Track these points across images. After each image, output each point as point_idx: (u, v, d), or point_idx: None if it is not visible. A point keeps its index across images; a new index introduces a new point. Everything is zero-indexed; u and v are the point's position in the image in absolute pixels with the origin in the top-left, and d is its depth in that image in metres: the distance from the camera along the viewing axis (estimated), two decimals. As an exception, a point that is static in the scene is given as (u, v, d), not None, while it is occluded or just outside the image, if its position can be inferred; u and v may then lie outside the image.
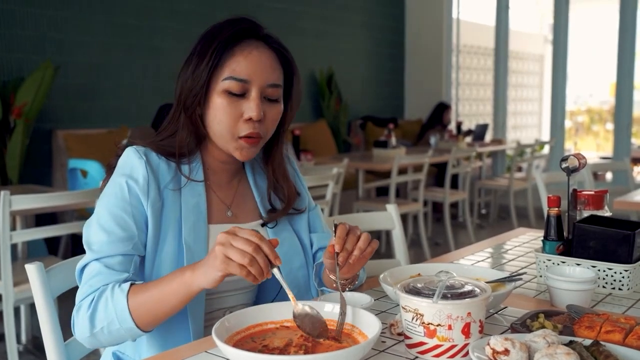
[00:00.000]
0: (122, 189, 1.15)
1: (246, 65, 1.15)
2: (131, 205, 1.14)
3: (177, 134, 1.21)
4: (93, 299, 1.08)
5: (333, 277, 1.16)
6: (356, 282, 1.25)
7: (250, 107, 1.16)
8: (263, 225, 1.29)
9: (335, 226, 1.12)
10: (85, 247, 1.14)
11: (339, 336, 1.00)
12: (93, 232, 1.14)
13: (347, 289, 1.21)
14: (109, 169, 1.21)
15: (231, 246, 0.97)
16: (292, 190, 1.32)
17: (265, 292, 1.33)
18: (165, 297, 1.05)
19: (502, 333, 1.01)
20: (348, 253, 1.10)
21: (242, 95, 1.16)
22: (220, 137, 1.19)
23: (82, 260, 1.14)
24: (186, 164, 1.21)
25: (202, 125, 1.19)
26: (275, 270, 1.01)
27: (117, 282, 1.09)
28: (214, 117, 1.17)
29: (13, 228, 2.71)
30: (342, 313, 1.02)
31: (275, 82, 1.19)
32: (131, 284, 1.07)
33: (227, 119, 1.16)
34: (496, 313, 1.19)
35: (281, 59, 1.22)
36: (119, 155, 1.20)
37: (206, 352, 1.01)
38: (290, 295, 1.02)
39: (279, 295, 1.32)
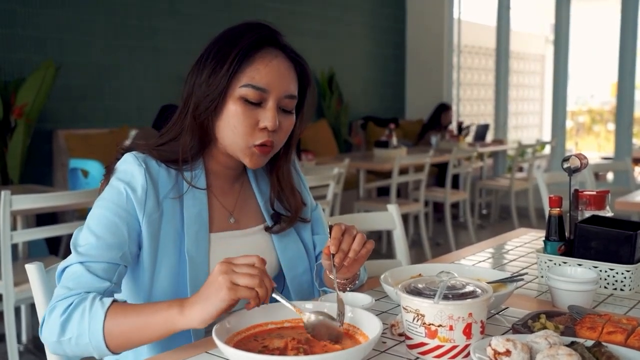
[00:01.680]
0: (120, 194, 1.11)
1: (266, 74, 1.13)
2: (127, 212, 1.11)
3: (180, 137, 1.17)
4: (70, 305, 1.03)
5: (332, 277, 1.16)
6: (357, 282, 1.24)
7: (267, 117, 1.13)
8: (267, 230, 1.27)
9: (331, 227, 1.11)
10: (71, 248, 1.10)
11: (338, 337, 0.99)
12: (82, 235, 1.10)
13: (347, 289, 1.21)
14: (108, 172, 1.17)
15: (235, 272, 0.95)
16: (298, 201, 1.30)
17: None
18: (145, 329, 1.00)
19: (503, 334, 1.01)
20: (344, 253, 1.09)
21: (258, 104, 1.14)
22: (231, 144, 1.16)
23: (65, 261, 1.09)
24: (188, 170, 1.18)
25: (211, 130, 1.17)
26: (273, 294, 1.00)
27: (98, 294, 1.04)
28: (227, 124, 1.14)
29: (14, 228, 2.71)
30: (340, 314, 1.01)
31: (292, 93, 1.17)
32: (113, 301, 1.03)
33: (242, 127, 1.13)
34: (497, 314, 1.18)
35: (298, 70, 1.20)
36: (119, 159, 1.17)
37: (207, 352, 1.00)
38: (295, 310, 1.01)
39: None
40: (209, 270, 1.16)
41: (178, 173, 1.18)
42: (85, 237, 1.09)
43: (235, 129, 1.14)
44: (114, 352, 1.03)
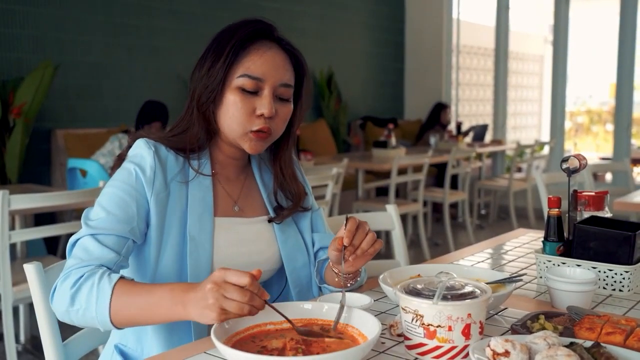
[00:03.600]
0: (130, 174, 1.17)
1: (261, 64, 1.19)
2: (136, 190, 1.16)
3: (189, 130, 1.23)
4: (81, 277, 1.06)
5: (336, 270, 1.20)
6: (358, 280, 1.27)
7: (263, 104, 1.19)
8: (270, 221, 1.31)
9: (347, 219, 1.14)
10: (82, 222, 1.14)
11: (333, 329, 1.01)
12: (93, 211, 1.16)
13: (348, 285, 1.23)
14: (119, 159, 1.23)
15: (224, 298, 0.93)
16: (300, 189, 1.34)
17: (268, 292, 1.33)
18: (149, 312, 1.02)
19: (502, 334, 1.01)
20: (355, 248, 1.14)
21: (255, 92, 1.19)
22: (231, 131, 1.21)
23: (76, 234, 1.14)
24: (195, 159, 1.24)
25: (214, 120, 1.22)
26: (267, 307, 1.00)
27: (107, 269, 1.08)
28: (226, 112, 1.20)
29: (12, 227, 2.71)
30: (342, 307, 1.02)
31: (288, 82, 1.22)
32: (120, 277, 1.05)
33: (240, 114, 1.19)
34: (496, 314, 1.18)
35: (293, 61, 1.25)
36: (130, 147, 1.23)
37: (205, 352, 1.00)
38: (287, 321, 1.02)
39: (281, 297, 1.33)
40: (212, 251, 1.20)
41: (185, 161, 1.23)
42: (96, 213, 1.15)
43: (234, 117, 1.19)
44: (118, 328, 1.07)
